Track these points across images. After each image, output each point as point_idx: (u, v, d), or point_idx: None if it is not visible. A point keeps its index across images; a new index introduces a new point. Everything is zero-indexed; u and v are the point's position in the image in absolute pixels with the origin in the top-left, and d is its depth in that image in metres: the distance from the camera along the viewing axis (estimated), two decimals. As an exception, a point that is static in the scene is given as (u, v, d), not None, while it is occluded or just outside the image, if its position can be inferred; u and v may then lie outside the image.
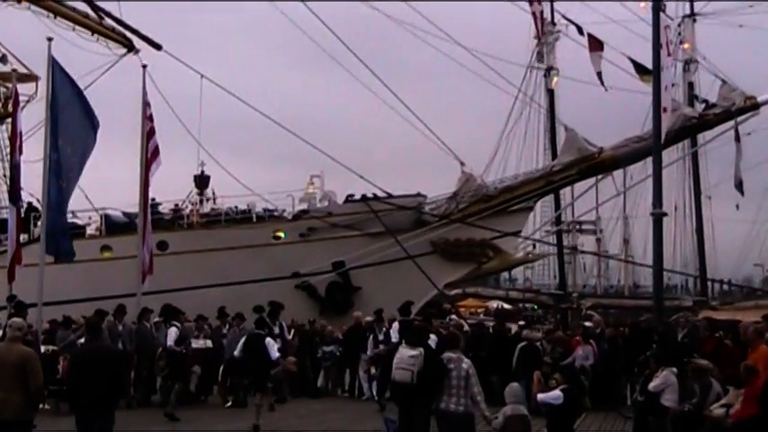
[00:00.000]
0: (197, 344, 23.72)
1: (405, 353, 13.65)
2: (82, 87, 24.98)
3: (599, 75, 40.29)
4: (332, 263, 34.85)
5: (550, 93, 55.06)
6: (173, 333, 22.29)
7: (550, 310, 58.24)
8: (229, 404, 23.15)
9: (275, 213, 36.56)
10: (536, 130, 55.68)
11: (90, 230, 36.94)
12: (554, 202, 51.25)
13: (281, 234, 35.42)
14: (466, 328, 27.58)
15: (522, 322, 27.78)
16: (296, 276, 34.81)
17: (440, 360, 13.60)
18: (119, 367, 13.26)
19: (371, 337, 24.77)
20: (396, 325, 22.22)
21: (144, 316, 24.30)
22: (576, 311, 51.72)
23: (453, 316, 31.72)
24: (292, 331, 26.15)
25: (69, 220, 24.38)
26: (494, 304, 63.21)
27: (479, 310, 61.26)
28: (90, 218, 36.88)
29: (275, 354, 19.04)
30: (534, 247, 45.18)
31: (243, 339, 20.07)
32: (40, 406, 14.60)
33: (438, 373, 13.42)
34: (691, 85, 56.12)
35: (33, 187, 28.88)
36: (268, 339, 19.19)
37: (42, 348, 21.08)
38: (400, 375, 13.53)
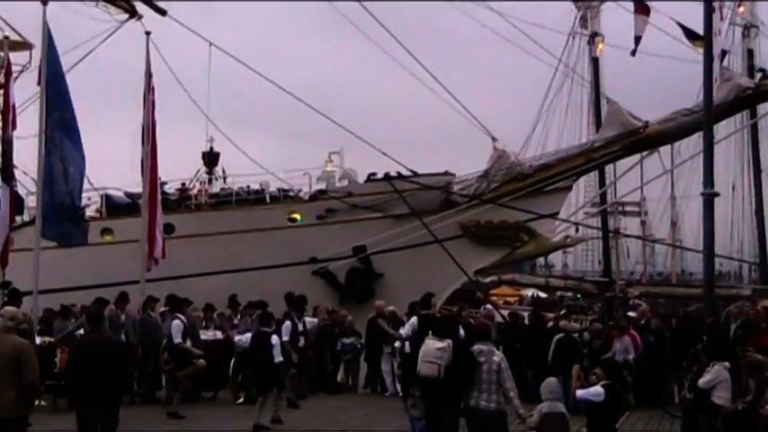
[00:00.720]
0: (206, 335, 23.78)
1: (431, 345, 13.64)
2: (80, 57, 25.03)
3: (637, 39, 40.03)
4: (352, 247, 34.82)
5: (595, 61, 54.68)
6: (177, 327, 22.02)
7: (594, 299, 57.96)
8: (241, 400, 23.18)
9: (291, 193, 36.56)
10: (579, 104, 55.39)
11: (89, 212, 36.99)
12: (598, 180, 50.95)
13: (297, 216, 35.40)
14: (498, 318, 27.58)
15: (563, 311, 27.64)
16: (313, 262, 34.79)
17: (469, 353, 13.58)
18: (123, 360, 13.25)
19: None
20: (414, 319, 22.11)
21: (149, 305, 24.35)
22: (623, 301, 51.51)
23: (488, 305, 31.66)
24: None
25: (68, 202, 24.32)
26: (528, 293, 63.11)
27: (511, 299, 61.08)
28: (89, 198, 36.91)
29: (278, 357, 19.29)
30: (577, 230, 45.02)
31: (250, 336, 20.23)
32: (36, 402, 14.61)
33: (467, 367, 13.40)
34: (750, 53, 55.63)
35: (28, 166, 28.99)
36: (274, 339, 19.41)
37: (38, 340, 21.13)
38: (426, 369, 13.53)
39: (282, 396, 19.79)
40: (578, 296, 61.35)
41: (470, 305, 31.74)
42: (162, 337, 22.90)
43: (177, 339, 21.78)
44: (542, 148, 42.63)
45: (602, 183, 50.51)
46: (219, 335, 24.32)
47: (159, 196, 28.20)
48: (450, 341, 13.57)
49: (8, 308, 13.45)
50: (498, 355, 13.64)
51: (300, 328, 23.33)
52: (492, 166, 35.50)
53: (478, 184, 35.43)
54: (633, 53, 40.56)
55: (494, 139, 35.78)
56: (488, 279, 50.34)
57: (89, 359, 12.69)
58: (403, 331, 22.39)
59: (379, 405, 23.33)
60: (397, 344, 23.62)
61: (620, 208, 69.93)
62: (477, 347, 13.68)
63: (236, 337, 23.50)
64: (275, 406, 19.48)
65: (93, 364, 12.57)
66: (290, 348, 22.01)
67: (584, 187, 52.32)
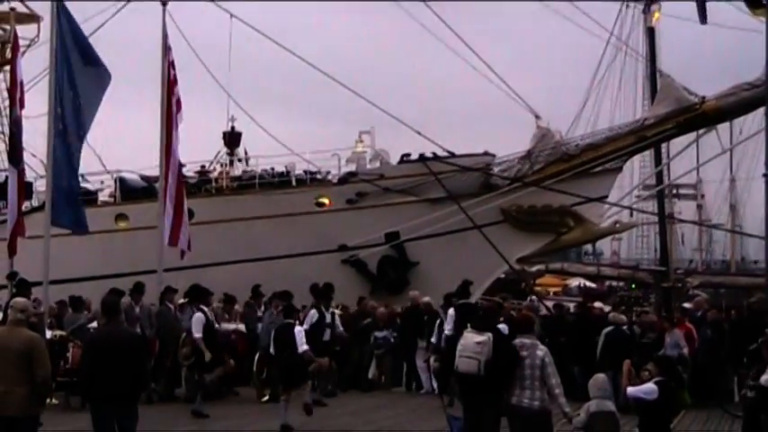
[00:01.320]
0: (228, 328, 23.77)
1: (470, 339, 13.63)
2: (92, 30, 25.01)
3: (702, 6, 39.64)
4: (385, 234, 34.87)
5: (650, 32, 54.06)
6: (199, 320, 21.56)
7: (650, 289, 57.65)
8: (266, 398, 23.20)
9: (318, 176, 36.60)
10: (633, 78, 54.82)
11: (103, 197, 37.20)
12: (653, 159, 50.49)
13: (326, 200, 35.47)
14: (543, 310, 27.54)
15: (598, 304, 27.35)
16: (343, 250, 34.89)
17: (511, 347, 13.58)
18: (140, 355, 13.27)
19: (438, 323, 24.27)
20: (452, 311, 22.05)
21: (166, 296, 24.42)
22: (681, 291, 51.23)
23: (534, 297, 31.62)
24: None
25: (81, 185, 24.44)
26: (574, 282, 62.97)
27: (552, 290, 60.89)
28: (102, 182, 37.13)
29: (303, 346, 19.22)
30: (631, 214, 44.71)
31: (273, 332, 20.27)
32: (48, 400, 14.68)
33: (509, 363, 13.40)
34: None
35: (38, 149, 29.13)
36: (297, 329, 19.36)
37: (49, 333, 21.24)
38: (465, 365, 13.53)
39: (306, 387, 19.60)
40: (632, 286, 61.13)
41: (514, 296, 31.70)
42: (181, 330, 22.95)
43: (197, 334, 21.41)
44: (593, 127, 42.30)
45: (658, 163, 49.94)
46: (242, 328, 24.34)
47: (173, 179, 27.81)
48: (490, 335, 13.53)
49: (18, 299, 13.48)
50: (542, 350, 13.62)
51: (328, 319, 23.26)
52: (535, 145, 35.42)
53: (520, 165, 35.36)
54: (703, 20, 40.15)
55: (537, 117, 35.73)
56: (535, 268, 50.17)
57: (104, 354, 12.68)
58: (446, 329, 22.21)
59: (415, 403, 23.36)
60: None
61: (675, 191, 69.58)
62: (519, 341, 13.68)
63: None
64: (302, 395, 19.39)
65: (108, 360, 12.57)
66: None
67: (639, 168, 51.99)
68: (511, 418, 13.64)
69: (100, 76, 23.54)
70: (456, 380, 14.22)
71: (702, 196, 74.93)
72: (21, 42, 28.77)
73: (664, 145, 42.67)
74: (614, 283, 64.46)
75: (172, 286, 24.73)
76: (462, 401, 14.22)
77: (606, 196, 36.50)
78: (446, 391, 15.85)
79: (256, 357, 23.65)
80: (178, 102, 27.11)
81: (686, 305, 29.03)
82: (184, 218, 27.04)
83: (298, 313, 20.92)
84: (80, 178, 23.79)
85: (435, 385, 23.73)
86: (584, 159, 34.74)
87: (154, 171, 30.50)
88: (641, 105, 53.30)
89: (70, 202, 23.25)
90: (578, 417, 14.02)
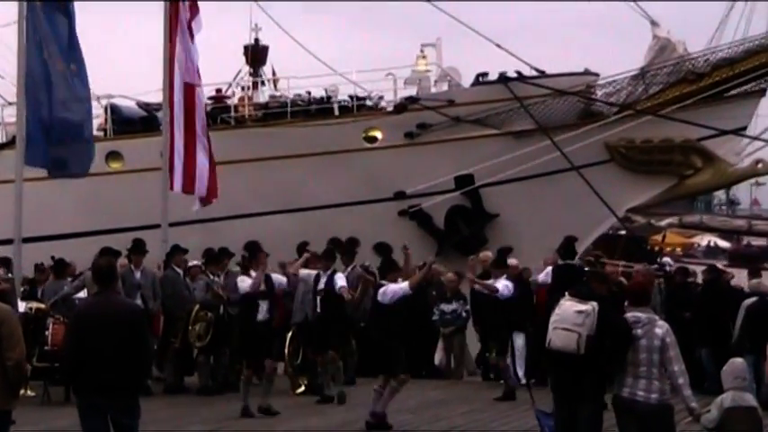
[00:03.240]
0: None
1: (568, 307, 13.41)
2: None
3: None
4: (455, 177, 34.80)
5: None
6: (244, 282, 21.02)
7: None
8: (302, 389, 23.26)
9: (368, 102, 36.55)
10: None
11: (90, 130, 37.34)
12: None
13: (378, 134, 35.41)
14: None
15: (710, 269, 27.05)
16: (400, 198, 34.86)
17: (623, 321, 13.48)
18: (141, 333, 12.87)
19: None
20: (547, 271, 21.92)
21: (174, 258, 24.51)
22: None
23: (666, 258, 31.34)
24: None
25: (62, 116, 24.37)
26: (703, 241, 62.52)
27: (679, 250, 60.36)
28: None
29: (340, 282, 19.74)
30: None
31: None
32: (21, 391, 14.69)
33: (619, 341, 13.30)
34: None
35: (5, 69, 29.34)
36: (338, 276, 19.59)
37: (22, 306, 21.36)
38: (560, 339, 13.27)
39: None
40: None
41: (635, 258, 31.53)
42: (192, 302, 23.04)
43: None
44: (743, 35, 41.63)
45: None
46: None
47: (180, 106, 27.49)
48: (595, 304, 13.36)
49: (-18, 261, 13.49)
50: (662, 327, 13.45)
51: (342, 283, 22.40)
52: (651, 61, 35.13)
53: (632, 87, 35.12)
54: None
55: (654, 24, 35.38)
56: (665, 222, 49.68)
57: (95, 333, 12.42)
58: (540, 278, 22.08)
59: (493, 396, 23.28)
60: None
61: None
62: (632, 315, 13.55)
63: (301, 272, 22.82)
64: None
65: (100, 340, 12.33)
66: None
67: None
68: (620, 415, 13.53)
69: None
70: (547, 360, 14.13)
71: None
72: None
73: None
74: (752, 241, 63.98)
75: (180, 245, 24.81)
76: (554, 391, 14.13)
77: (745, 128, 36.13)
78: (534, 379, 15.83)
79: (289, 336, 23.44)
80: (194, 4, 26.96)
81: None
82: (199, 156, 26.92)
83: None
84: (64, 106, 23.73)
85: (521, 373, 23.82)
86: (716, 80, 34.39)
87: (156, 96, 30.54)
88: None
89: (52, 136, 23.36)
90: (708, 413, 13.95)
